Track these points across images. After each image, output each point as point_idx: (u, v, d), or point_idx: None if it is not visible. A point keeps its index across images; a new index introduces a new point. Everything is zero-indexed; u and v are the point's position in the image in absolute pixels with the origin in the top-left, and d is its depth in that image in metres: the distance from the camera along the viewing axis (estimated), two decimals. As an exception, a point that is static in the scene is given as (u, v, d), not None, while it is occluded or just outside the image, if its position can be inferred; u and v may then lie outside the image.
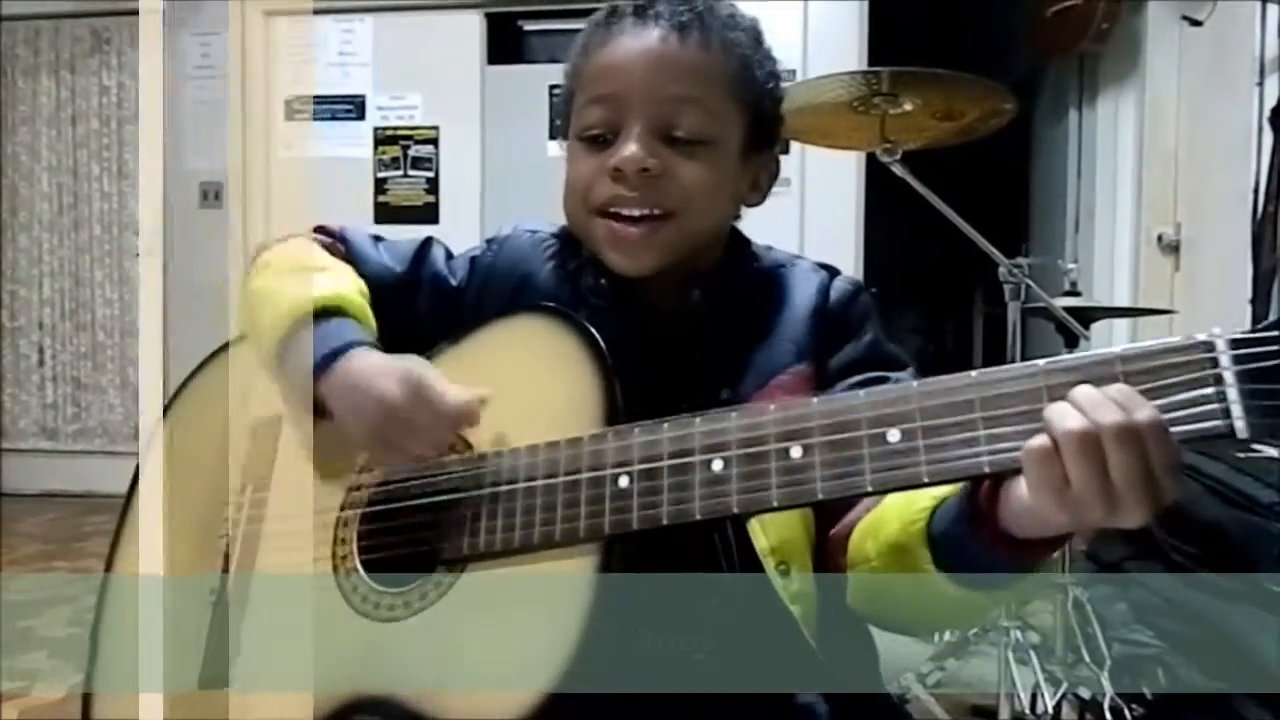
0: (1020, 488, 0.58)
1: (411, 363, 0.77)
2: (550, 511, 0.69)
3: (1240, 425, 0.52)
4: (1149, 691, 1.95)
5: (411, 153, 4.40)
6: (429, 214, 4.39)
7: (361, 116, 4.41)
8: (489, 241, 0.95)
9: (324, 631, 0.75)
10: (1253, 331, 0.52)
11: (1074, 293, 2.32)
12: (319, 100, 4.45)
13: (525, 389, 0.76)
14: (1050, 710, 1.84)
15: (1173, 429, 0.54)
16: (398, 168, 4.41)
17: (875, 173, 3.44)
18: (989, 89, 1.83)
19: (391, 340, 0.84)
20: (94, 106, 4.61)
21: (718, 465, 0.64)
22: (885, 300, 0.88)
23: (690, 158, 0.82)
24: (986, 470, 0.58)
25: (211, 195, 4.48)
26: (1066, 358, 0.57)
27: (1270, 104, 2.74)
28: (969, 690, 2.17)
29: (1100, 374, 0.56)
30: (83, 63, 4.62)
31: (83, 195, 4.63)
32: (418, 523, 0.76)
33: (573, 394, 0.73)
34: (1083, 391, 0.55)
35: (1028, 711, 1.85)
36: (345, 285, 0.86)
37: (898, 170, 1.90)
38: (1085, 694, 1.91)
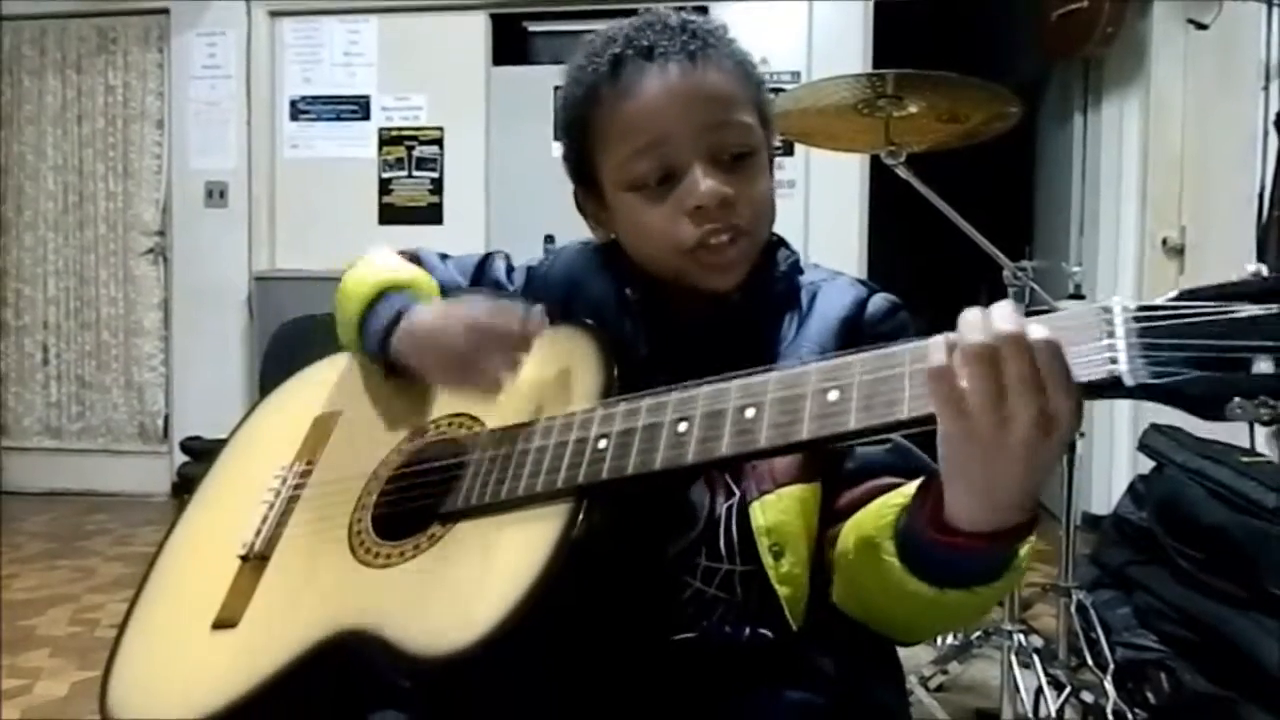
0: (939, 437, 0.61)
1: (467, 306, 0.85)
2: (537, 466, 0.76)
3: (1124, 370, 0.56)
4: (1152, 696, 1.95)
5: (416, 153, 4.41)
6: (433, 214, 4.40)
7: (366, 117, 4.43)
8: (547, 253, 1.02)
9: (325, 577, 0.82)
10: (1153, 302, 0.57)
11: (1078, 296, 2.32)
12: (324, 100, 4.46)
13: (547, 384, 0.85)
14: (1053, 714, 1.83)
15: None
16: (402, 168, 4.41)
17: (879, 175, 3.44)
18: (994, 92, 1.83)
19: None
20: (99, 106, 4.63)
21: (682, 426, 0.71)
22: (889, 303, 0.91)
23: (747, 175, 0.85)
24: (905, 415, 0.62)
25: (217, 194, 4.49)
26: None
27: (1275, 108, 2.74)
28: (972, 693, 2.17)
29: None
30: (88, 62, 4.63)
31: (88, 194, 4.64)
32: (425, 484, 0.83)
33: (582, 386, 0.81)
34: (994, 307, 0.59)
35: (1030, 715, 1.85)
36: (417, 273, 0.98)
37: (902, 173, 1.90)
38: (1088, 698, 1.91)
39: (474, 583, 0.72)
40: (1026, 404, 0.57)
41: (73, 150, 4.65)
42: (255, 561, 0.87)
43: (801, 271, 0.94)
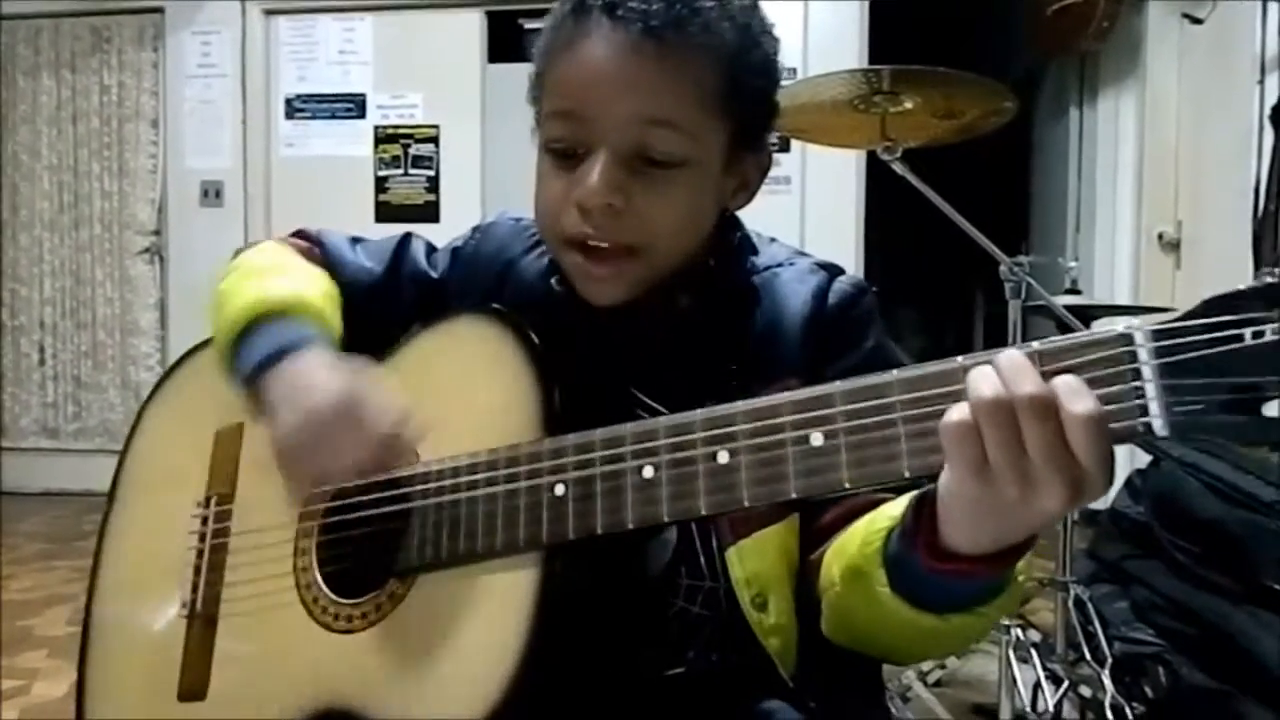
0: (947, 487, 0.55)
1: (357, 374, 0.73)
2: (491, 520, 0.69)
3: (1158, 424, 0.49)
4: (1149, 690, 1.95)
5: (412, 151, 4.40)
6: (429, 213, 4.39)
7: (362, 115, 4.42)
8: (473, 230, 0.92)
9: (289, 643, 0.76)
10: (1173, 323, 0.50)
11: (1075, 291, 2.32)
12: (319, 99, 4.45)
13: (468, 393, 0.76)
14: (1051, 708, 1.83)
15: None
16: (398, 166, 4.41)
17: (876, 171, 3.44)
18: (989, 87, 1.83)
19: (377, 339, 0.83)
20: (94, 105, 4.61)
21: (648, 471, 0.63)
22: (885, 299, 0.84)
23: (663, 185, 0.73)
24: (906, 474, 0.55)
25: (212, 193, 4.48)
26: (986, 353, 0.55)
27: (1271, 102, 2.74)
28: (970, 688, 2.17)
29: None
30: (83, 62, 4.62)
31: (83, 194, 4.63)
32: (370, 533, 0.75)
33: (512, 398, 0.72)
34: (1005, 356, 0.52)
35: (1029, 710, 1.85)
36: (306, 286, 0.83)
37: (898, 168, 1.89)
38: (1086, 692, 1.91)
39: (457, 655, 0.67)
40: (1054, 471, 0.50)
41: (68, 150, 4.63)
42: (202, 621, 0.81)
43: (756, 252, 0.83)
